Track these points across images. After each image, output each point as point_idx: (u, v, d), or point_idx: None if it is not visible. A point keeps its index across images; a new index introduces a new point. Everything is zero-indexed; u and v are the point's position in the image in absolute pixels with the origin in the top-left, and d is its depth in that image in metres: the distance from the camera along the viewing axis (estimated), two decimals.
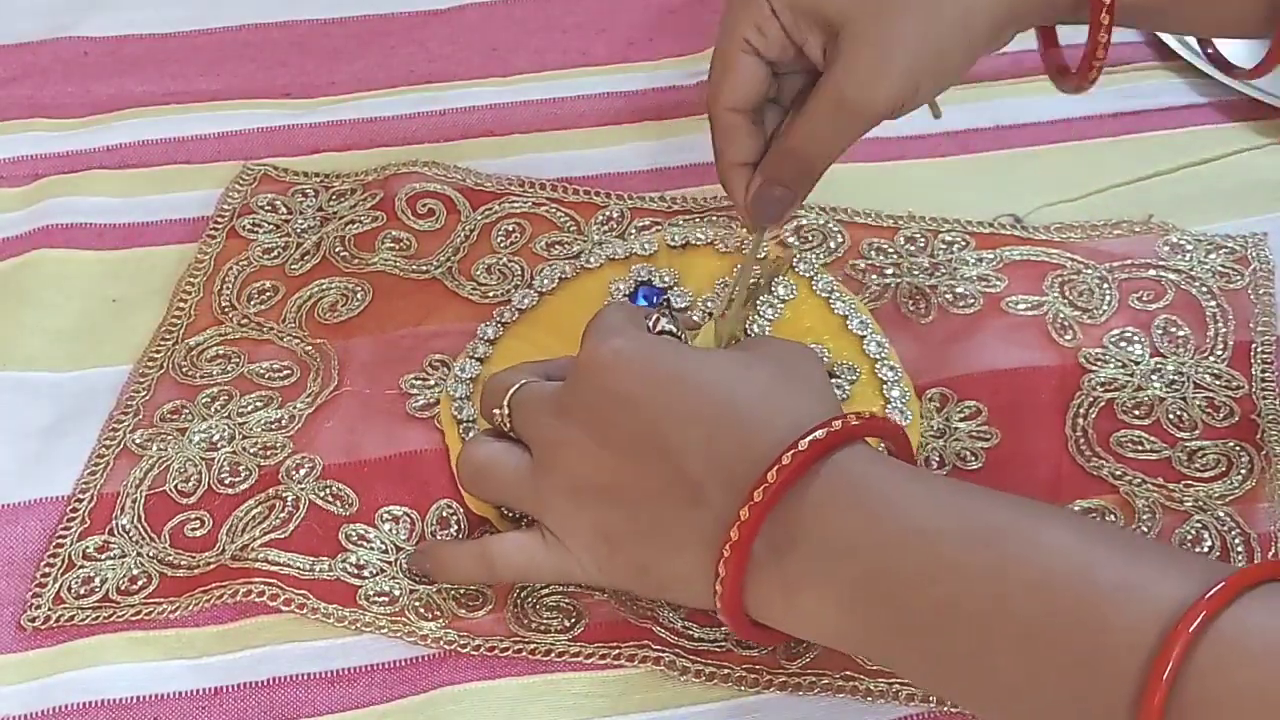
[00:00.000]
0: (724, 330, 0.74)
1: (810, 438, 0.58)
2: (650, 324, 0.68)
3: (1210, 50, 0.81)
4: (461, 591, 0.68)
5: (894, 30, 0.67)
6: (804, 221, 0.82)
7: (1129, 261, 0.80)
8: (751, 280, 0.76)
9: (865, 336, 0.76)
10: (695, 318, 0.76)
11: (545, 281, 0.79)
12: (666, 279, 0.78)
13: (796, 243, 0.81)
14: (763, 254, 0.78)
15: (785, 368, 0.64)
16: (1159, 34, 0.91)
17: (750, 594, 0.60)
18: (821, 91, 0.69)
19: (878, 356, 0.75)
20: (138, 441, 0.74)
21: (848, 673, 0.65)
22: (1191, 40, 0.91)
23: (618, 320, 0.65)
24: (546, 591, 0.68)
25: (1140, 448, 0.73)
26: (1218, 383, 0.75)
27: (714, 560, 0.59)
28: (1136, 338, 0.77)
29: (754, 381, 0.62)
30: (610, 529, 0.63)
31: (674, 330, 0.69)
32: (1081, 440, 0.73)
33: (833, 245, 0.81)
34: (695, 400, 0.61)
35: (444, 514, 0.71)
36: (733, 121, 0.71)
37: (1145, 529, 0.70)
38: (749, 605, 0.60)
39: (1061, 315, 0.78)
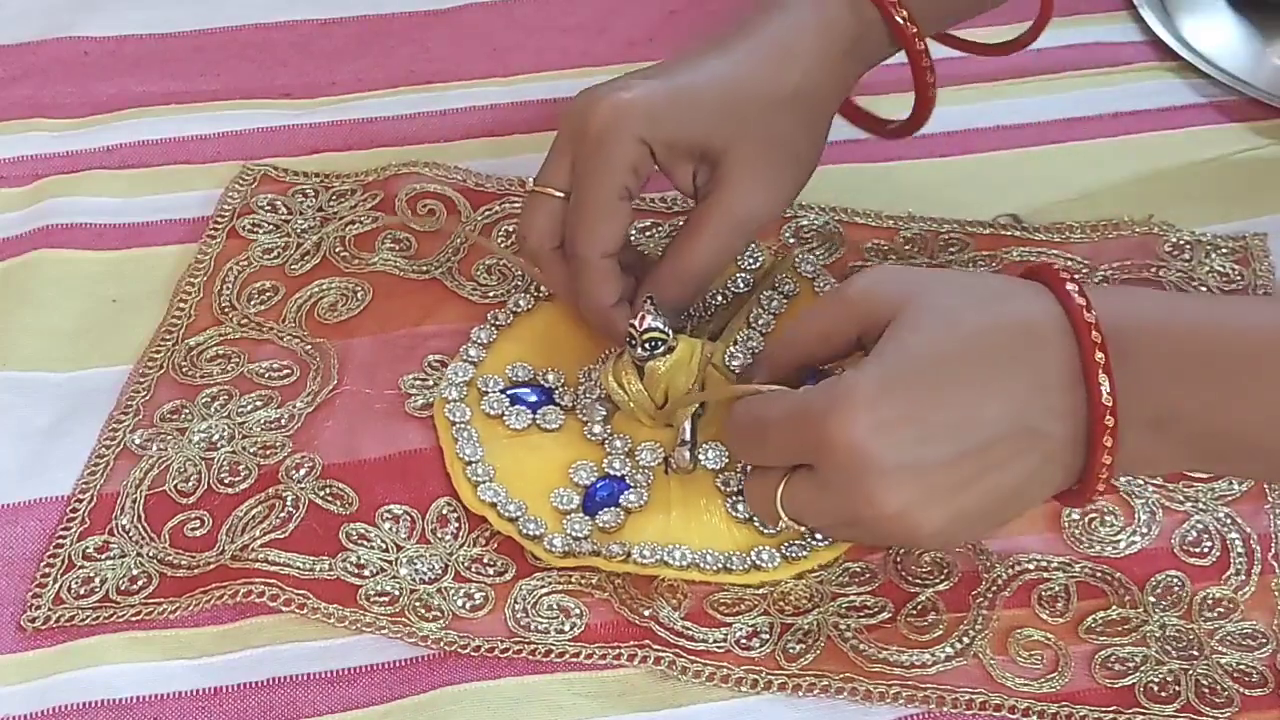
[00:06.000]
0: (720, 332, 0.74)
1: (1073, 294, 0.61)
2: (637, 321, 0.69)
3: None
4: (462, 591, 0.68)
5: (773, 155, 0.73)
6: (804, 222, 0.82)
7: (1129, 262, 0.80)
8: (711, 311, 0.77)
9: None
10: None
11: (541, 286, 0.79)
12: None
13: (796, 243, 0.81)
14: (758, 263, 0.79)
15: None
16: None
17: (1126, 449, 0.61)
18: (713, 212, 0.72)
19: None
20: (138, 441, 0.74)
21: (847, 673, 0.65)
22: (1192, 40, 0.91)
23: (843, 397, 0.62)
24: (546, 591, 0.68)
25: None
26: None
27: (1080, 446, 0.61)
28: None
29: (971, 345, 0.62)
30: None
31: (661, 326, 0.69)
32: None
33: (832, 246, 0.81)
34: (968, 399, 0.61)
35: (444, 512, 0.71)
36: (607, 266, 0.72)
37: (1145, 529, 0.70)
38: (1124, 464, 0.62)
39: None
